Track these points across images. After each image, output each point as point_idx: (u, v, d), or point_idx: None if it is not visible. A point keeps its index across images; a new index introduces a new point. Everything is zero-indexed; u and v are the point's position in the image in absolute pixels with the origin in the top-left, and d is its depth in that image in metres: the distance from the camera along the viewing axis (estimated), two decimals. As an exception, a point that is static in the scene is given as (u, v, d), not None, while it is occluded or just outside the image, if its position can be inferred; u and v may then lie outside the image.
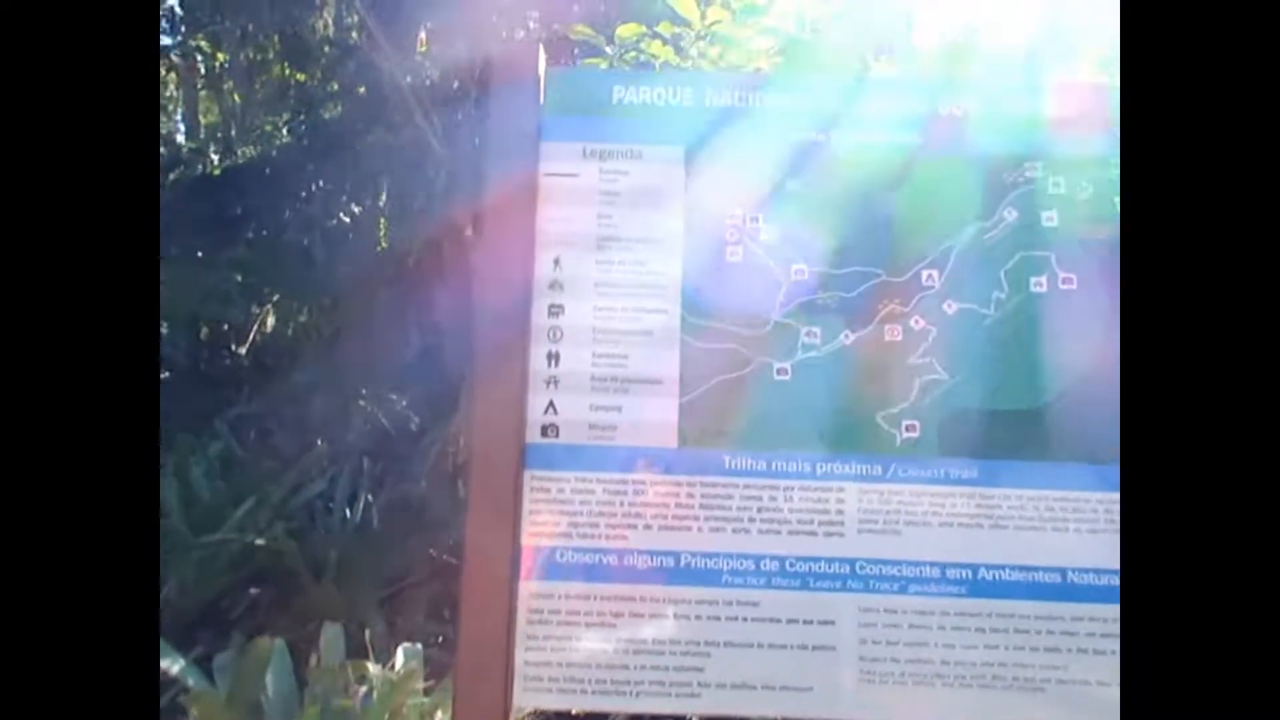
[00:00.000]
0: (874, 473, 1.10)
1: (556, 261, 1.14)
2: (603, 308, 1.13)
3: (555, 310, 1.13)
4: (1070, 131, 1.18)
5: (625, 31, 1.90)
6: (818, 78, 1.39)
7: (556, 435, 1.10)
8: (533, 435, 1.10)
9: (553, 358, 1.12)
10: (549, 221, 1.15)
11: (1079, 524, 1.09)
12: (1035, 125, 1.19)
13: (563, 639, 1.06)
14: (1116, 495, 1.09)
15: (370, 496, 3.17)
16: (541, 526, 1.08)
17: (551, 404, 1.11)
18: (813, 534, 1.08)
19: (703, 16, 1.99)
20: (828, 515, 1.09)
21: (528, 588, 1.07)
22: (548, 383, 1.11)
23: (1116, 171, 1.17)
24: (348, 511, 3.06)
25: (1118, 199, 1.17)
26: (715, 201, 1.16)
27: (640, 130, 1.17)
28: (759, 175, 1.16)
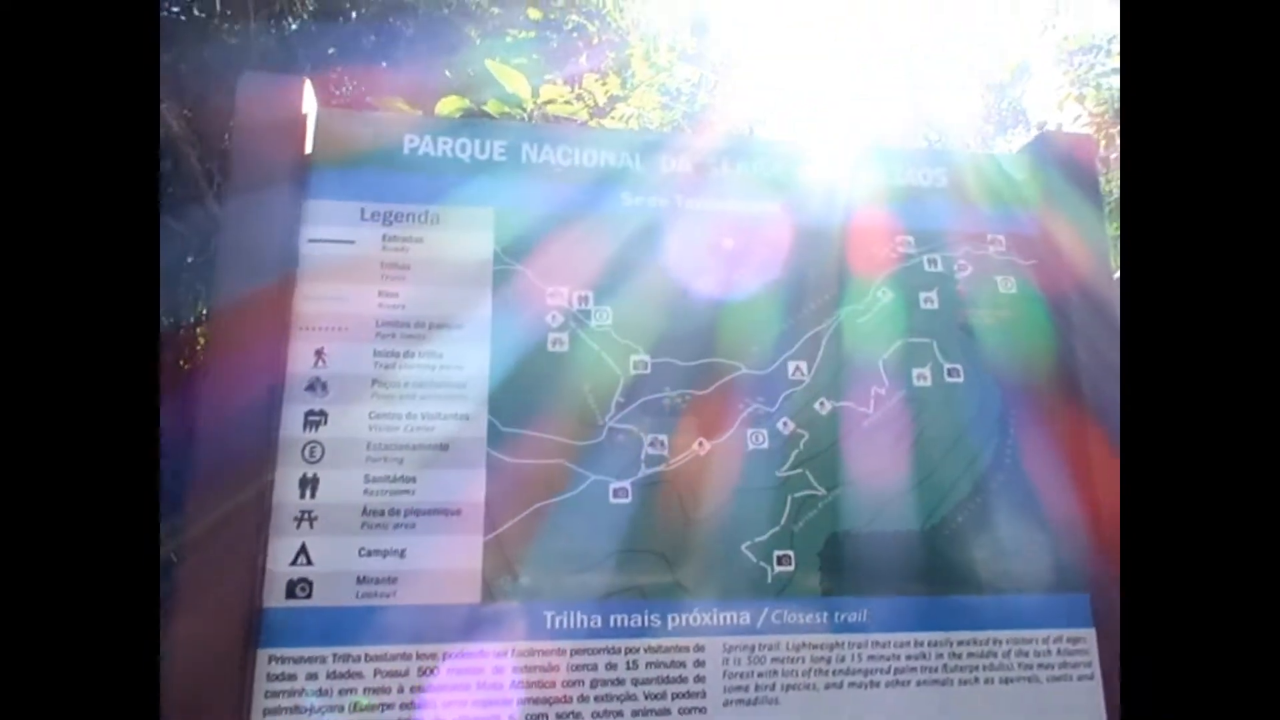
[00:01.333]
0: (741, 622, 0.85)
1: (319, 354, 0.85)
2: (381, 415, 0.84)
3: (314, 419, 0.83)
4: (948, 201, 1.04)
5: (446, 107, 1.68)
6: (660, 134, 1.20)
7: (309, 595, 0.79)
8: (274, 597, 0.78)
9: (308, 485, 0.81)
10: (310, 301, 0.86)
11: (992, 673, 0.88)
12: (910, 194, 1.03)
13: None
14: (1038, 634, 0.89)
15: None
16: (280, 733, 0.75)
17: (304, 550, 0.80)
18: (665, 713, 0.81)
19: (535, 94, 1.81)
20: (684, 684, 0.82)
21: (255, 829, 0.73)
22: (298, 520, 0.80)
23: (999, 245, 1.03)
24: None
25: (1001, 278, 1.02)
26: (534, 278, 0.92)
27: (439, 188, 0.93)
28: (589, 246, 0.94)
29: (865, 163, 1.04)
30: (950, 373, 0.97)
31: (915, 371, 0.96)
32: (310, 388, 0.84)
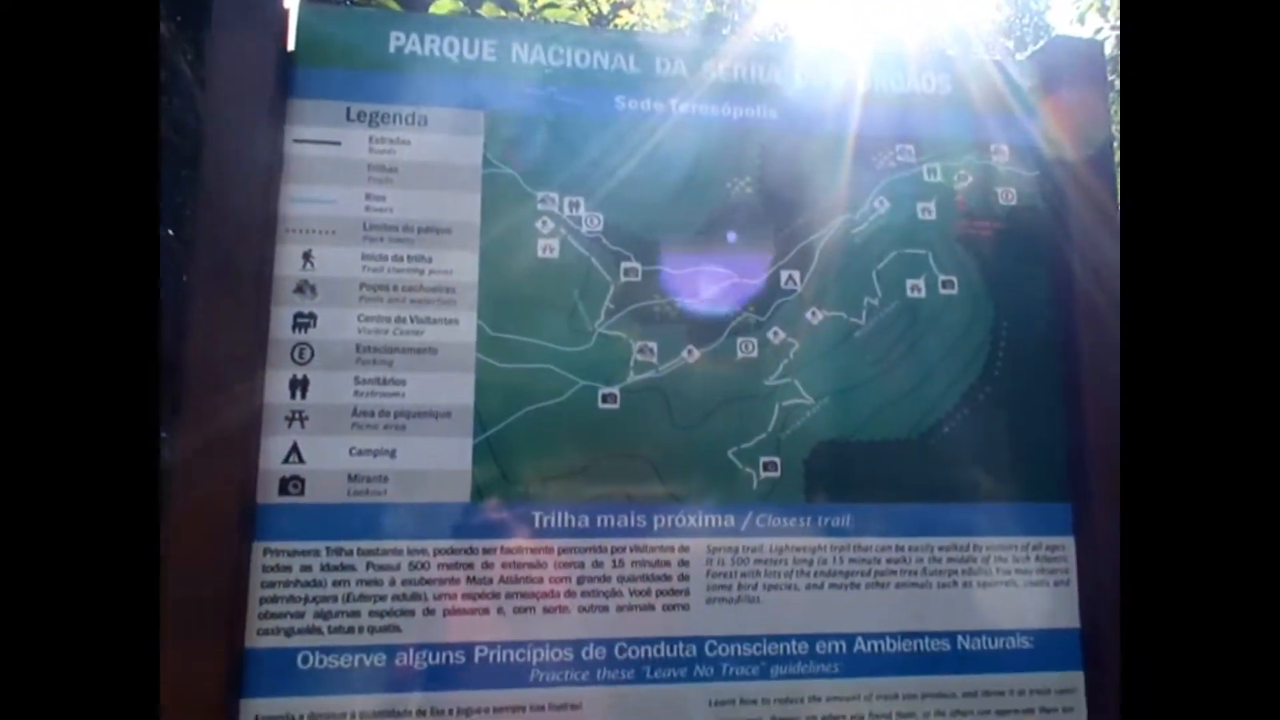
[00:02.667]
0: (726, 525, 0.86)
1: (306, 257, 0.85)
2: (371, 318, 0.85)
3: (303, 321, 0.84)
4: (950, 108, 1.01)
5: (440, 9, 1.63)
6: (656, 35, 1.17)
7: (301, 492, 0.80)
8: (267, 493, 0.80)
9: (298, 386, 0.82)
10: (297, 204, 0.85)
11: (970, 577, 0.90)
12: (909, 100, 1.01)
13: (305, 779, 0.76)
14: (1018, 540, 0.91)
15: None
16: (276, 621, 0.78)
17: (295, 449, 0.81)
18: (649, 608, 0.84)
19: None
20: (668, 582, 0.84)
21: (254, 707, 0.76)
22: (290, 420, 0.81)
23: (1002, 156, 1.00)
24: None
25: (1002, 189, 1.00)
26: (524, 182, 0.90)
27: (427, 89, 0.91)
28: (580, 151, 0.92)
29: (867, 68, 1.01)
30: (945, 285, 0.96)
31: (909, 283, 0.95)
32: (299, 290, 0.84)
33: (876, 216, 0.96)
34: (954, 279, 0.96)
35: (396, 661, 0.79)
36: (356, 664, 0.78)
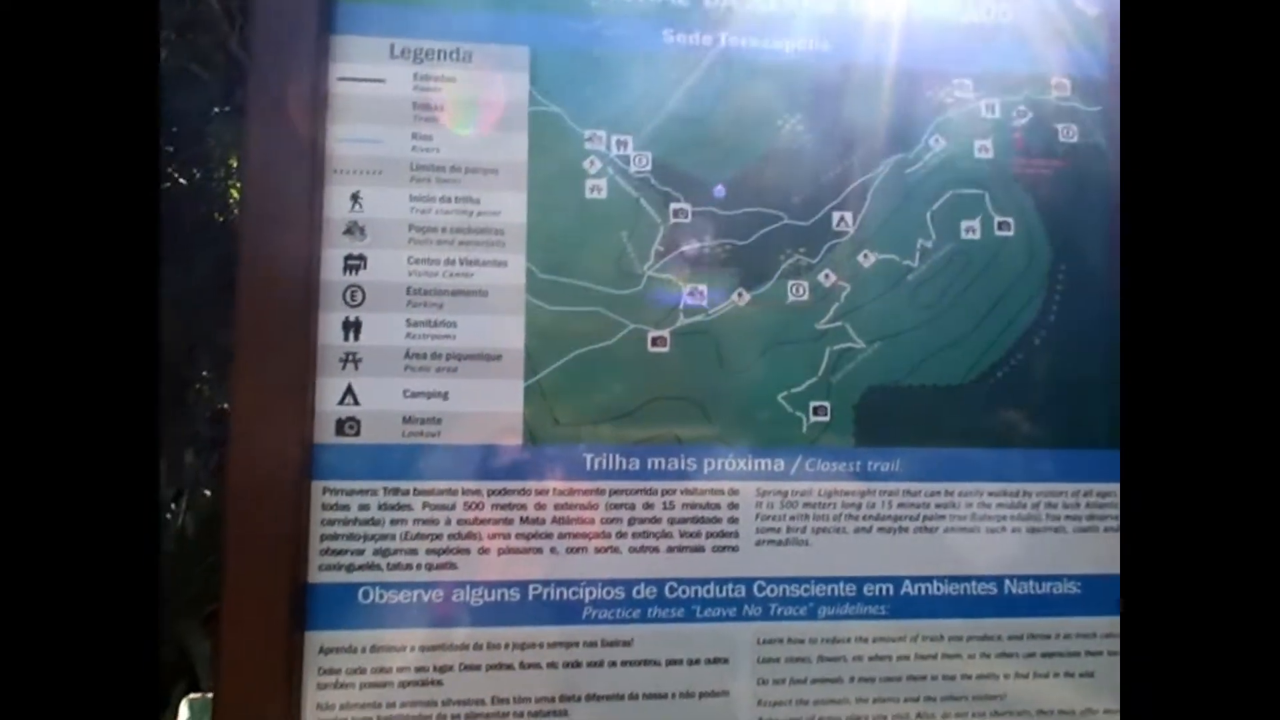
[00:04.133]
0: (775, 469, 0.86)
1: (355, 198, 0.84)
2: (420, 260, 0.84)
3: (354, 264, 0.83)
4: (1011, 40, 0.97)
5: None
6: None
7: (357, 433, 0.81)
8: (324, 434, 0.81)
9: (351, 328, 0.83)
10: (344, 144, 0.84)
11: (1020, 522, 0.90)
12: (967, 31, 0.96)
13: (368, 707, 0.79)
14: (1068, 486, 0.90)
15: (205, 494, 2.74)
16: (336, 558, 0.80)
17: (350, 391, 0.82)
18: (699, 549, 0.85)
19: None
20: (718, 525, 0.85)
21: (318, 640, 0.79)
22: (343, 361, 0.82)
23: (1063, 89, 0.97)
24: (167, 514, 2.61)
25: (1063, 125, 0.96)
26: (571, 120, 0.88)
27: (471, 24, 0.88)
28: (628, 88, 0.90)
29: (925, -4, 0.97)
30: (1001, 226, 0.93)
31: (964, 224, 0.93)
32: (348, 232, 0.83)
33: (932, 155, 0.93)
34: (1010, 220, 0.94)
35: (453, 597, 0.81)
36: (415, 599, 0.80)
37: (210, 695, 1.34)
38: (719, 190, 0.89)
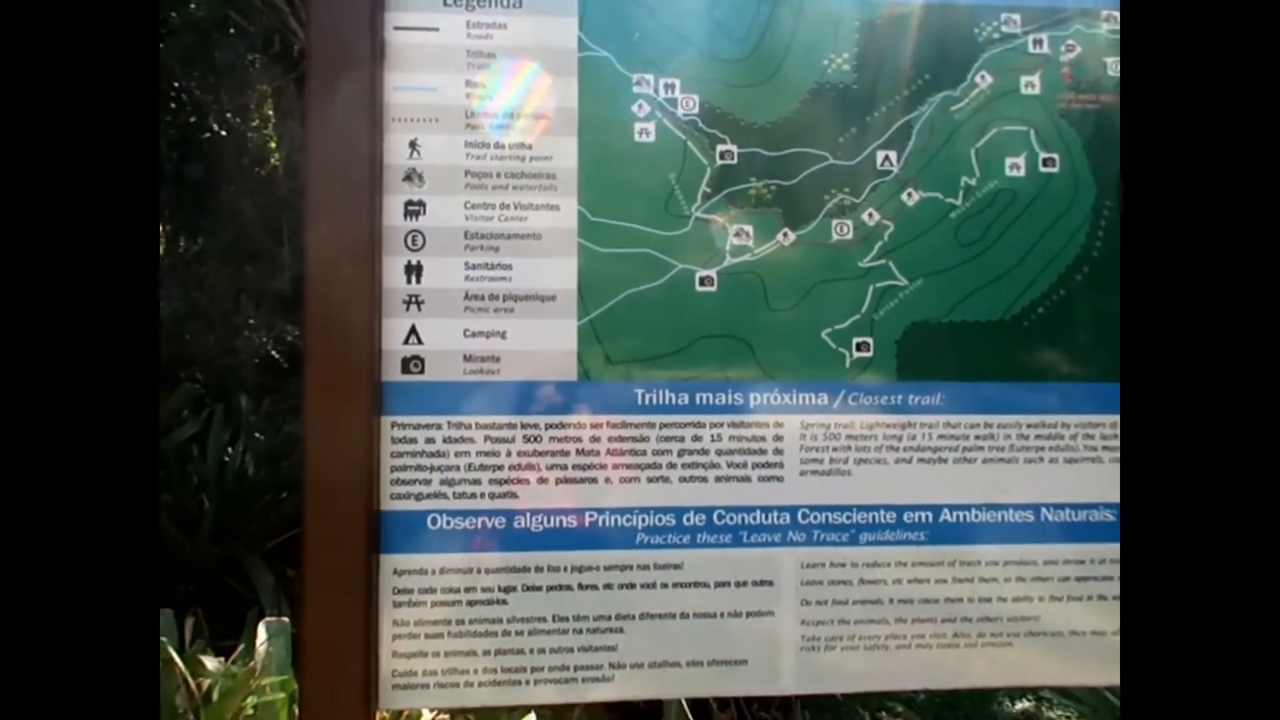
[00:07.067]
0: (819, 403, 0.90)
1: (413, 145, 0.87)
2: (476, 205, 0.87)
3: (413, 209, 0.87)
4: (1059, -30, 0.96)
5: None
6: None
7: (422, 370, 0.86)
8: (390, 372, 0.86)
9: (413, 271, 0.87)
10: (401, 92, 0.87)
11: (1057, 453, 0.92)
12: (1016, -37, 0.95)
13: (439, 624, 0.85)
14: (1106, 418, 0.92)
15: (259, 436, 2.85)
16: (406, 487, 0.85)
17: (414, 331, 0.86)
18: (746, 479, 0.89)
19: None
20: (764, 456, 0.89)
21: (392, 562, 0.85)
22: (407, 303, 0.86)
23: (1113, 22, 0.96)
24: (225, 455, 2.73)
25: (1111, 60, 0.95)
26: (619, 64, 0.90)
27: (519, -30, 0.90)
28: (675, 31, 0.91)
29: (973, -71, 0.95)
30: (1046, 162, 0.94)
31: (1009, 161, 0.93)
32: (408, 178, 0.87)
33: (978, 93, 0.93)
34: (1056, 156, 0.94)
35: (515, 524, 0.86)
36: (480, 525, 0.86)
37: (285, 619, 1.44)
38: (764, 131, 0.91)
